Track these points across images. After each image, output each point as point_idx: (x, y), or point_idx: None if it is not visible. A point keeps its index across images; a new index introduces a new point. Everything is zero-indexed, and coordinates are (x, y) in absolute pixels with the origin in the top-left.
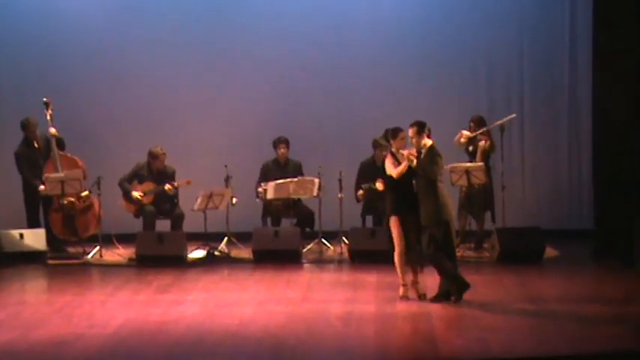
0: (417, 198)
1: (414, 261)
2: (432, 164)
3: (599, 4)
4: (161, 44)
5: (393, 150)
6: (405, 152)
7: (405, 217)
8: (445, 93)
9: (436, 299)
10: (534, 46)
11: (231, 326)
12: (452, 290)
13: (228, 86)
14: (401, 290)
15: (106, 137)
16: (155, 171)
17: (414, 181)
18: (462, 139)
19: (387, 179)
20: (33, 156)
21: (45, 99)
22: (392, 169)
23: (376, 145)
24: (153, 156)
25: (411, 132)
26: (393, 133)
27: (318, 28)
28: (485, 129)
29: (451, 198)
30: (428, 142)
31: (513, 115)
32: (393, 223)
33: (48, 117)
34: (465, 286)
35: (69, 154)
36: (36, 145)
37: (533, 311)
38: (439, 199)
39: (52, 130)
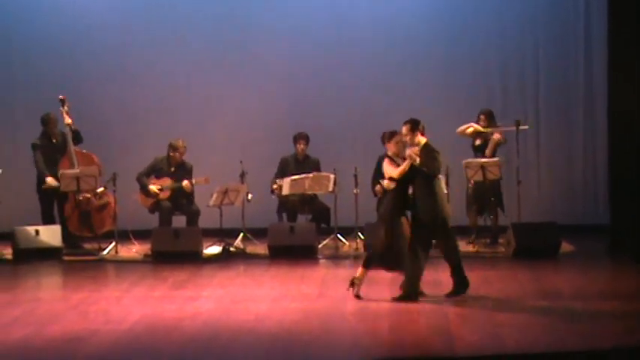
0: (410, 199)
1: (388, 264)
2: (432, 160)
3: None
4: (176, 41)
5: (389, 153)
6: (408, 151)
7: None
8: (459, 90)
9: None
10: (549, 41)
11: (246, 322)
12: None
13: (243, 82)
14: (356, 288)
15: (121, 134)
16: (174, 165)
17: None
18: (469, 131)
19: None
20: (50, 150)
21: (60, 96)
22: (392, 170)
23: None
24: (173, 148)
25: (404, 130)
26: (390, 135)
27: (334, 24)
28: (499, 126)
29: (453, 194)
30: (422, 139)
31: (526, 127)
32: (404, 224)
33: (64, 114)
34: (415, 294)
35: (84, 151)
36: (54, 140)
37: (548, 307)
38: (438, 196)
39: (68, 120)
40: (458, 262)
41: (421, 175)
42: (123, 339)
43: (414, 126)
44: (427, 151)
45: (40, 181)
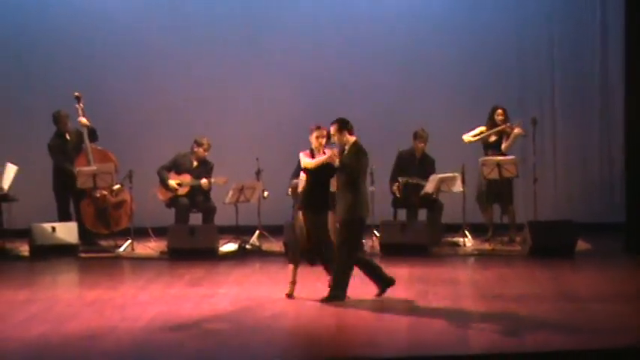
0: (331, 198)
1: (309, 259)
2: (355, 161)
3: None
4: (193, 39)
5: (312, 147)
6: (329, 151)
7: (315, 215)
8: (474, 87)
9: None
10: (564, 39)
11: (262, 319)
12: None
13: (259, 80)
14: (289, 288)
15: (137, 131)
16: (196, 160)
17: (332, 181)
18: (469, 138)
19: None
20: (65, 148)
21: (76, 93)
22: (308, 161)
23: (417, 136)
24: (198, 143)
25: (332, 129)
26: (314, 129)
27: (350, 21)
28: (508, 124)
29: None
30: (351, 138)
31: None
32: (301, 217)
33: (79, 111)
34: (342, 295)
35: (100, 148)
36: (67, 137)
37: (565, 305)
38: (358, 196)
39: (83, 120)
40: (365, 262)
41: (344, 173)
42: (139, 336)
43: (342, 125)
44: (355, 150)
45: (58, 178)
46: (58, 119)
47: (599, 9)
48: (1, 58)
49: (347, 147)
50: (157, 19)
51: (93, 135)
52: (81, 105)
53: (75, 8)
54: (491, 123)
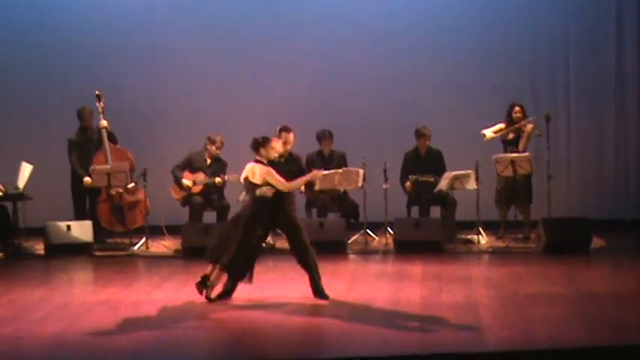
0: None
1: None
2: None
3: None
4: (207, 38)
5: (264, 159)
6: (314, 172)
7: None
8: (488, 84)
9: (219, 297)
10: (579, 35)
11: (276, 317)
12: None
13: (272, 77)
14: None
15: (153, 130)
16: (210, 158)
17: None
18: (490, 135)
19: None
20: (86, 145)
21: (97, 91)
22: (281, 181)
23: (419, 135)
24: (211, 140)
25: (292, 136)
26: (265, 141)
27: (362, 17)
28: (525, 120)
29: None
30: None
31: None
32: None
33: (100, 109)
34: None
35: (119, 146)
36: (89, 135)
37: (580, 302)
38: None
39: (104, 123)
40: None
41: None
42: (154, 334)
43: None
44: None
45: (75, 177)
46: (82, 115)
47: (614, 5)
48: (17, 57)
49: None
50: (173, 17)
51: (111, 138)
52: (101, 103)
53: (93, 8)
54: (509, 120)
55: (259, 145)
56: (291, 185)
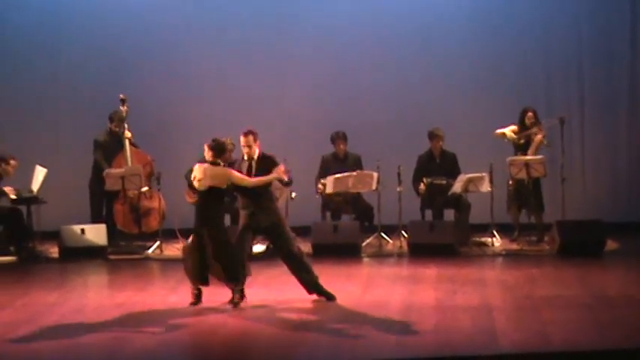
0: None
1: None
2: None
3: None
4: (224, 43)
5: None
6: (278, 169)
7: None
8: (501, 87)
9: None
10: (593, 37)
11: (290, 320)
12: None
13: (286, 80)
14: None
15: (171, 133)
16: (223, 163)
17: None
18: (508, 134)
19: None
20: (111, 147)
21: (122, 95)
22: (244, 178)
23: (432, 136)
24: None
25: (251, 139)
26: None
27: (374, 20)
28: (539, 126)
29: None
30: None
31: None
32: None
33: (124, 113)
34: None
35: (141, 150)
36: (115, 138)
37: (594, 305)
38: (274, 202)
39: (128, 134)
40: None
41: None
42: (168, 337)
43: (257, 136)
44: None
45: (96, 175)
46: (113, 119)
47: (628, 9)
48: (31, 60)
49: (257, 157)
50: (192, 22)
51: (133, 142)
52: (125, 107)
53: (106, 12)
54: (522, 125)
55: (226, 149)
56: (256, 181)
